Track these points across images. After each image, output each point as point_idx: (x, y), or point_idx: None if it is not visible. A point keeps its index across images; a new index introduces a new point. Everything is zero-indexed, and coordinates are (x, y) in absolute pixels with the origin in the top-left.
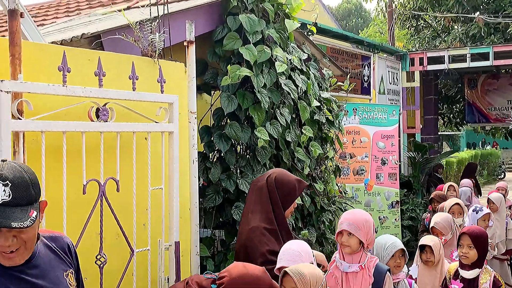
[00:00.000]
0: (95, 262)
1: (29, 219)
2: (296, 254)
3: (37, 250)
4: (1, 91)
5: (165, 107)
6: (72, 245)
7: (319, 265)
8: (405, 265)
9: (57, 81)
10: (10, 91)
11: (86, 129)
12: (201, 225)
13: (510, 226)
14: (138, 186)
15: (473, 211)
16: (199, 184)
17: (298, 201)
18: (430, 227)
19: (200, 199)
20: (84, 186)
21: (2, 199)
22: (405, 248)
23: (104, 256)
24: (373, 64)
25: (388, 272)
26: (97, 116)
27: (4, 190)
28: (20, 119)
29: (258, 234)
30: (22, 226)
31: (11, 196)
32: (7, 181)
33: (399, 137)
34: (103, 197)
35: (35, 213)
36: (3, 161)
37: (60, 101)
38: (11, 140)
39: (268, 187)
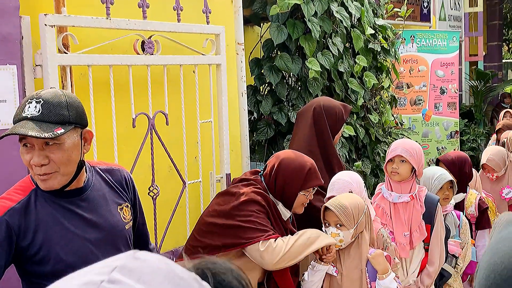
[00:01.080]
0: (148, 194)
1: (51, 132)
2: (346, 184)
3: (91, 182)
4: (46, 25)
5: (211, 39)
6: (130, 178)
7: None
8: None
9: (101, 14)
10: (54, 25)
11: (133, 63)
12: (254, 158)
13: None
14: (187, 119)
15: None
16: (250, 118)
17: (351, 132)
18: (481, 162)
19: (252, 132)
20: (133, 119)
21: (31, 114)
22: (454, 179)
23: (156, 187)
24: None
25: (438, 202)
26: (143, 49)
27: (35, 107)
28: (66, 53)
29: None
30: (39, 135)
31: (40, 112)
32: (40, 99)
33: (460, 65)
34: (153, 130)
35: (62, 130)
36: (51, 88)
37: (105, 34)
38: (59, 74)
39: (316, 116)
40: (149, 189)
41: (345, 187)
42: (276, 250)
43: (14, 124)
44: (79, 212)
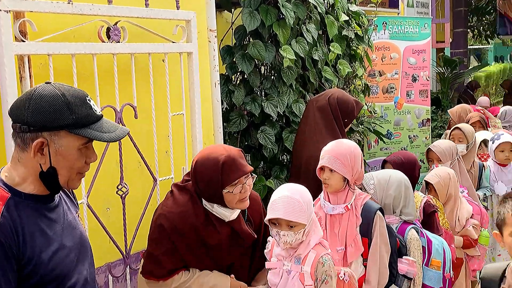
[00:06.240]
0: (117, 193)
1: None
2: (291, 202)
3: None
4: (0, 10)
5: (182, 25)
6: None
7: None
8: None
9: None
10: (9, 10)
11: (97, 51)
12: None
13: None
14: (157, 112)
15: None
16: (222, 109)
17: None
18: (427, 149)
19: (224, 124)
20: None
21: (100, 113)
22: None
23: (125, 186)
24: None
25: (379, 211)
26: (108, 37)
27: (94, 104)
28: (23, 41)
29: None
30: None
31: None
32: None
33: None
34: (120, 124)
35: None
36: (47, 83)
37: (66, 21)
38: (16, 64)
39: (330, 106)
40: (117, 188)
41: (290, 205)
42: None
43: (90, 124)
44: (54, 218)
